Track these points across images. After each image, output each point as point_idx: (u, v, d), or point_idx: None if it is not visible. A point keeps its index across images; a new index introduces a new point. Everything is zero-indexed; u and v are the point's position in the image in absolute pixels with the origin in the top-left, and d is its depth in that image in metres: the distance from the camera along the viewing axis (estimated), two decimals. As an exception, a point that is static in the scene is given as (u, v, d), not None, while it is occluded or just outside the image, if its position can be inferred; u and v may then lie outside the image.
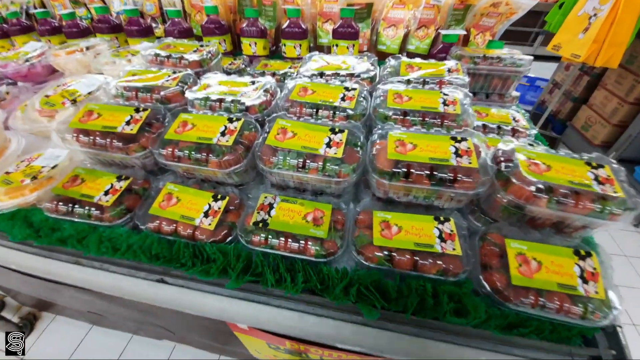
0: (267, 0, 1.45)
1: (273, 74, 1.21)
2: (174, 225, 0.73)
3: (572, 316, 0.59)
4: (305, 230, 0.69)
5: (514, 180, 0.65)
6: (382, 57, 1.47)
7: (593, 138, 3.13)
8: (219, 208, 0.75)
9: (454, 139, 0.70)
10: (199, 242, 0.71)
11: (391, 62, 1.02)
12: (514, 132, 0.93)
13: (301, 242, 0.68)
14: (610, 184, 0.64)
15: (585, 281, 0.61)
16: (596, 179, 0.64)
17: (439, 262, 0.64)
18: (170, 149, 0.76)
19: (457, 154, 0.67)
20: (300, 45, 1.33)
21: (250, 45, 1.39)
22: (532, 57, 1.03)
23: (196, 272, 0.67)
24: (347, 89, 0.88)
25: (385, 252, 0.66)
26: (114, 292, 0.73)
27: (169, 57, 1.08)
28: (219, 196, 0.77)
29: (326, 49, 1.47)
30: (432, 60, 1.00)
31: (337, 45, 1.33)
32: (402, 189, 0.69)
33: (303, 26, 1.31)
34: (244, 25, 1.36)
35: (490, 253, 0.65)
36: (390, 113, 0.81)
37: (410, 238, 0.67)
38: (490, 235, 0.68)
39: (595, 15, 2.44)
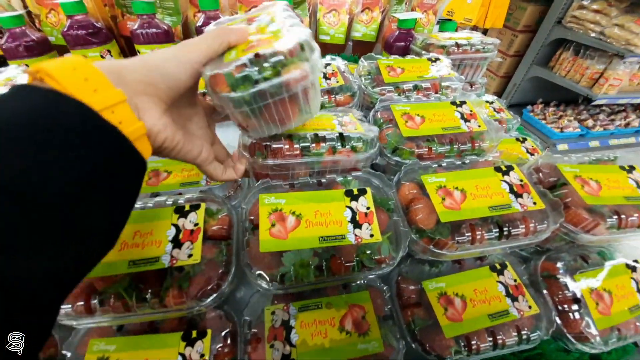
0: (160, -13, 1.00)
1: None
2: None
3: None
4: (353, 349, 0.46)
5: (571, 207, 0.53)
6: (325, 49, 1.20)
7: (487, 90, 3.53)
8: (201, 355, 0.44)
9: (498, 170, 0.54)
10: None
11: (364, 63, 0.78)
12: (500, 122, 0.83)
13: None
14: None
15: None
16: (638, 185, 0.57)
17: (522, 332, 0.50)
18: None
19: (514, 192, 0.51)
20: (229, 48, 0.96)
21: (153, 55, 0.95)
22: (498, 41, 0.93)
23: None
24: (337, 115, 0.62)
25: (461, 342, 0.48)
26: None
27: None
28: (193, 335, 0.46)
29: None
30: (410, 57, 0.80)
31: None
32: (454, 249, 0.51)
33: (226, 22, 0.94)
34: (137, 27, 0.90)
35: (564, 298, 0.53)
36: (410, 146, 0.59)
37: (481, 310, 0.50)
38: (548, 268, 0.57)
39: (469, -25, 2.58)
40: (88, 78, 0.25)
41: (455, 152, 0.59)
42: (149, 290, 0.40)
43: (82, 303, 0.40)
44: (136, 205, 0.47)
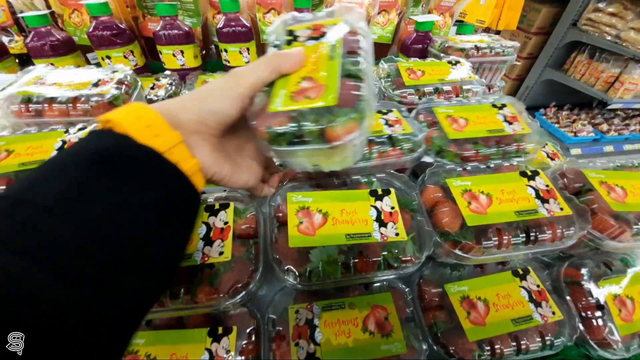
0: (182, -11, 1.02)
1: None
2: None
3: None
4: (376, 349, 0.46)
5: (598, 214, 0.53)
6: None
7: (498, 93, 3.48)
8: (227, 351, 0.45)
9: (524, 174, 0.54)
10: None
11: (384, 66, 0.79)
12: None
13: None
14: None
15: (670, 303, 0.54)
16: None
17: (546, 337, 0.49)
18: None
19: (540, 197, 0.51)
20: (248, 49, 0.97)
21: (174, 55, 0.96)
22: (518, 44, 0.92)
23: None
24: (380, 112, 0.63)
25: (484, 346, 0.48)
26: None
27: (51, 101, 0.63)
28: (219, 331, 0.47)
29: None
30: (430, 59, 0.80)
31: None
32: (480, 253, 0.51)
33: (247, 24, 0.95)
34: (160, 28, 0.92)
35: (588, 305, 0.53)
36: (454, 148, 0.59)
37: (504, 314, 0.50)
38: (571, 275, 0.56)
39: (489, -23, 2.55)
40: (150, 125, 0.29)
41: (501, 154, 0.59)
42: (182, 287, 0.41)
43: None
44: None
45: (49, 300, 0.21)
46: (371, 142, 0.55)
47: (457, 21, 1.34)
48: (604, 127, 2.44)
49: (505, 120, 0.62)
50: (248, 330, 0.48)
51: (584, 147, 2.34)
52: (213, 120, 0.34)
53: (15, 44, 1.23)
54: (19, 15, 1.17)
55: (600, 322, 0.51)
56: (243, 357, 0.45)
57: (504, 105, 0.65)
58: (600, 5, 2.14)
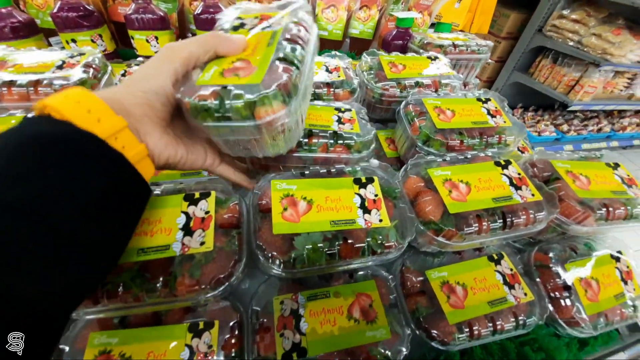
0: (156, -29, 0.96)
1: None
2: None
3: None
4: (361, 336, 0.46)
5: (564, 200, 0.56)
6: (322, 45, 1.20)
7: (471, 94, 3.65)
8: (209, 346, 0.43)
9: (498, 164, 0.56)
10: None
11: (367, 59, 0.79)
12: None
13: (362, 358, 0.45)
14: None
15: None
16: (623, 181, 0.61)
17: (519, 317, 0.52)
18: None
19: (514, 185, 0.53)
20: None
21: (148, 41, 0.91)
22: (492, 43, 0.97)
23: None
24: (339, 109, 0.63)
25: (463, 327, 0.50)
26: None
27: (10, 84, 0.57)
28: (200, 326, 0.44)
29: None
30: (411, 54, 0.82)
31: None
32: (461, 239, 0.52)
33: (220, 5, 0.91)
34: (132, 11, 0.87)
35: (556, 286, 0.56)
36: (441, 138, 0.61)
37: (481, 297, 0.52)
38: (540, 259, 0.60)
39: (466, -14, 2.65)
40: (91, 109, 0.27)
41: (483, 145, 0.61)
42: (160, 279, 0.39)
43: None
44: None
45: None
46: (314, 135, 0.57)
47: (432, 24, 1.39)
48: (565, 127, 2.63)
49: (489, 114, 0.65)
50: (231, 324, 0.47)
51: (546, 145, 2.51)
52: (158, 101, 0.33)
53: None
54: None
55: (568, 302, 0.55)
56: (226, 352, 0.44)
57: (488, 100, 0.68)
58: (565, 12, 2.30)
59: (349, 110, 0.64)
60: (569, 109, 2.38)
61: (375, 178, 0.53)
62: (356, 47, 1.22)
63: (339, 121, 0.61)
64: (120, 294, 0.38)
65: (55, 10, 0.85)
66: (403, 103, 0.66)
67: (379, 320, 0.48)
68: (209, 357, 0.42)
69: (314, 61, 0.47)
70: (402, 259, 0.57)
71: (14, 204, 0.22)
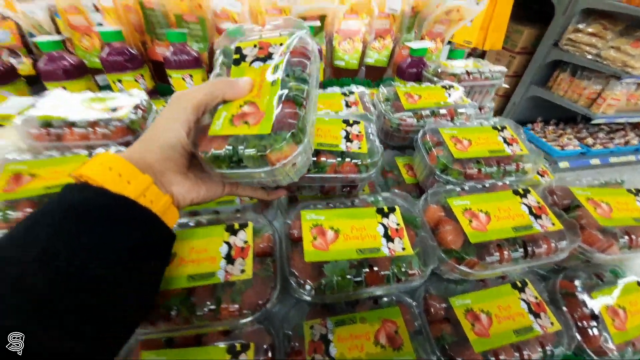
0: (190, 16, 1.07)
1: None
2: None
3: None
4: None
5: (586, 228, 0.57)
6: (339, 74, 1.27)
7: (488, 108, 3.62)
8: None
9: (517, 193, 0.58)
10: None
11: (383, 90, 0.84)
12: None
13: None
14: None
15: None
16: (646, 206, 0.61)
17: (546, 347, 0.53)
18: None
19: (533, 214, 0.55)
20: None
21: (184, 79, 1.01)
22: (505, 69, 1.00)
23: None
24: (347, 122, 0.64)
25: (489, 356, 0.51)
26: None
27: (72, 125, 0.66)
28: (237, 348, 0.48)
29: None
30: (426, 84, 0.86)
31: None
32: (483, 268, 0.54)
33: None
34: (171, 53, 0.97)
35: (582, 315, 0.56)
36: (459, 167, 0.64)
37: (506, 325, 0.53)
38: (566, 286, 0.60)
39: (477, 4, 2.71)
40: (122, 173, 0.32)
41: (501, 173, 0.64)
42: (207, 303, 0.43)
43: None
44: (190, 223, 0.51)
45: (34, 348, 0.23)
46: (322, 153, 0.57)
47: (449, 42, 1.44)
48: (589, 140, 2.56)
49: (505, 142, 0.67)
50: (265, 346, 0.50)
51: (571, 160, 2.44)
52: (176, 153, 0.37)
53: (24, 66, 1.27)
54: (30, 39, 1.21)
55: (595, 331, 0.55)
56: (259, 373, 0.47)
57: (504, 128, 0.71)
58: (580, 26, 2.29)
59: (357, 123, 0.65)
60: (593, 122, 2.32)
61: (397, 207, 0.56)
62: (371, 75, 1.29)
63: (347, 137, 0.62)
64: (172, 317, 0.43)
65: (104, 55, 0.96)
66: (420, 132, 0.70)
67: (404, 347, 0.50)
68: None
69: (317, 85, 0.47)
70: (425, 285, 0.60)
71: (58, 264, 0.27)
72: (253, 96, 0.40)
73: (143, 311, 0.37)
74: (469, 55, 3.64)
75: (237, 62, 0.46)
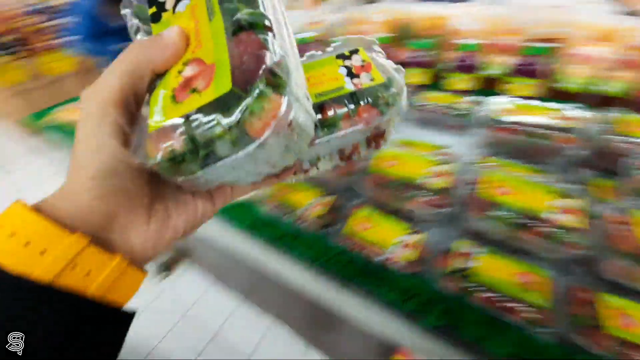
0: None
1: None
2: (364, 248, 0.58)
3: None
4: (516, 291, 0.38)
5: None
6: (559, 96, 1.22)
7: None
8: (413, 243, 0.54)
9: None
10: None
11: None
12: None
13: (510, 303, 0.45)
14: None
15: None
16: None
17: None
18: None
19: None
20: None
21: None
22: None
23: (388, 299, 0.54)
24: (343, 56, 0.41)
25: (621, 344, 0.41)
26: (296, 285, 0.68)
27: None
28: (415, 231, 0.57)
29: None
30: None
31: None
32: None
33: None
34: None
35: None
36: None
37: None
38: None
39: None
40: (30, 240, 0.20)
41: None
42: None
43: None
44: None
45: None
46: (327, 106, 0.36)
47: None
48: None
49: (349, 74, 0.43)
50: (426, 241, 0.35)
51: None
52: (120, 180, 0.23)
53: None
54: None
55: None
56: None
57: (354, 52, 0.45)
58: None
59: (356, 52, 0.43)
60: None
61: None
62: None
63: (350, 73, 0.40)
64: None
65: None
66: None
67: (542, 293, 0.36)
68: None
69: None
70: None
71: None
72: (193, 50, 0.25)
73: None
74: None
75: (156, 17, 0.29)
